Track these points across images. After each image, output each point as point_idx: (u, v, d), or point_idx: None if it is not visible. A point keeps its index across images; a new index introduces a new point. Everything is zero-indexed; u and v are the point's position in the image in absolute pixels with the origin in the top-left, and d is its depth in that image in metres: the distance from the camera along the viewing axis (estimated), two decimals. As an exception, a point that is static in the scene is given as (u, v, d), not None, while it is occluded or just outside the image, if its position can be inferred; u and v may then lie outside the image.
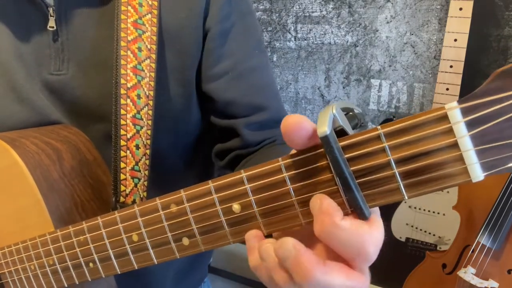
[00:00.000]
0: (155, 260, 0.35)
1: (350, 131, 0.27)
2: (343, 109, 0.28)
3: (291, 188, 0.28)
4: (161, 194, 0.33)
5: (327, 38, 1.63)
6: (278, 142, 0.56)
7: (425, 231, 1.49)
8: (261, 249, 0.28)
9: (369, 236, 0.25)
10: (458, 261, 1.24)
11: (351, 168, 0.26)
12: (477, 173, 0.23)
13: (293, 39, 1.71)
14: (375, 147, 0.25)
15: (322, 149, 0.26)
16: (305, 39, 1.68)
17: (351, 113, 0.29)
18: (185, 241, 0.33)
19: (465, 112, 0.23)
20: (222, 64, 0.55)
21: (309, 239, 0.28)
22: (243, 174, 0.29)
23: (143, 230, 0.34)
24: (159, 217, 0.33)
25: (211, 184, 0.30)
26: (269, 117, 0.56)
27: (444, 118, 0.23)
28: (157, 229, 0.34)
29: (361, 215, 0.26)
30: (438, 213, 1.44)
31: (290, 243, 0.26)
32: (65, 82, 0.53)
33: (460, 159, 0.23)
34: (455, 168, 0.24)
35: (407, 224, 1.51)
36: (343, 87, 1.66)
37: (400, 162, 0.25)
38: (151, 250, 0.34)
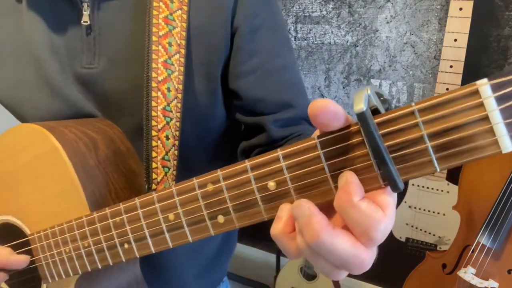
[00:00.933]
0: (190, 238, 0.35)
1: (383, 111, 0.28)
2: (376, 93, 0.29)
3: (325, 164, 0.29)
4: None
5: (327, 38, 1.64)
6: (303, 137, 0.56)
7: (425, 231, 1.49)
8: (280, 207, 0.31)
9: (378, 223, 0.27)
10: (458, 261, 1.24)
11: (386, 143, 0.27)
12: (507, 144, 0.24)
13: (293, 39, 1.71)
14: (409, 122, 0.26)
15: (356, 127, 0.28)
16: (305, 39, 1.68)
17: (382, 98, 0.30)
18: (220, 218, 0.34)
19: (495, 88, 0.24)
20: (251, 61, 0.56)
21: (329, 208, 0.30)
22: (279, 153, 0.30)
23: (180, 209, 0.35)
24: (195, 196, 0.34)
25: (247, 163, 0.31)
26: (296, 114, 0.57)
27: (475, 93, 0.25)
28: (193, 208, 0.35)
29: (394, 188, 0.27)
30: (438, 213, 1.44)
31: (305, 205, 0.28)
32: (96, 76, 0.54)
33: (491, 131, 0.25)
34: (486, 140, 0.25)
35: (407, 224, 1.51)
36: (343, 87, 1.66)
37: (433, 136, 0.26)
38: (186, 228, 0.35)
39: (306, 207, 0.28)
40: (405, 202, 1.48)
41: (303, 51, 1.70)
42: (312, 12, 1.64)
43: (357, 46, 1.59)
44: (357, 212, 0.27)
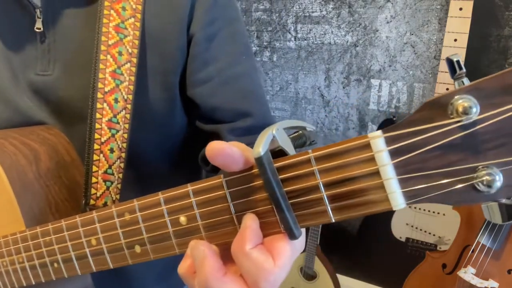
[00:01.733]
0: (110, 264, 0.36)
1: (291, 151, 0.27)
2: (293, 128, 0.29)
3: (231, 204, 0.29)
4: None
5: (327, 38, 1.64)
6: None
7: (425, 231, 1.49)
8: (189, 244, 0.31)
9: (267, 273, 0.26)
10: (458, 261, 1.25)
11: (285, 189, 0.26)
12: (399, 201, 0.24)
13: (293, 39, 1.71)
14: (306, 170, 0.26)
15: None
16: (305, 39, 1.68)
17: (299, 132, 0.29)
18: (137, 248, 0.34)
19: (389, 141, 0.23)
20: (207, 69, 0.55)
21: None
22: (189, 188, 0.30)
23: (100, 235, 0.36)
24: (114, 224, 0.35)
25: (160, 196, 0.32)
26: (254, 123, 0.56)
27: (367, 146, 0.24)
28: (113, 235, 0.35)
29: (291, 235, 0.27)
30: (438, 213, 1.44)
31: (200, 247, 0.29)
32: (50, 83, 0.53)
33: (382, 187, 0.24)
34: (377, 195, 0.24)
35: (407, 224, 1.51)
36: (343, 87, 1.66)
37: (328, 185, 0.25)
38: (107, 254, 0.36)
39: (201, 249, 0.28)
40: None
41: (303, 51, 1.70)
42: (312, 12, 1.64)
43: (357, 46, 1.59)
44: (248, 260, 0.27)
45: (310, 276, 1.64)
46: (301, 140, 0.29)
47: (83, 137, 0.53)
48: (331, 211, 0.26)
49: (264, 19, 1.75)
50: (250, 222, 0.28)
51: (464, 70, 0.23)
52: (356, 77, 1.62)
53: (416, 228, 1.50)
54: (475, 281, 1.15)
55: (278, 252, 0.27)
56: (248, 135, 0.56)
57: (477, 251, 1.16)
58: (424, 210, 1.46)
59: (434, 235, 1.48)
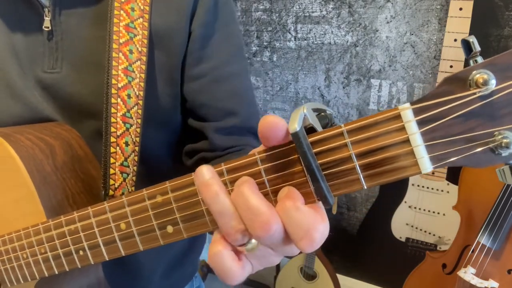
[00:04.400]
0: (140, 247, 0.37)
1: (319, 129, 0.30)
2: (315, 110, 0.31)
3: (266, 180, 0.30)
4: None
5: (327, 38, 1.64)
6: (244, 152, 0.57)
7: (425, 231, 1.49)
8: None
9: (319, 224, 0.28)
10: (458, 261, 1.25)
11: (319, 161, 0.29)
12: (426, 166, 0.26)
13: (293, 39, 1.71)
14: (339, 142, 0.28)
15: (294, 144, 0.29)
16: (305, 39, 1.68)
17: (322, 113, 0.31)
18: (169, 228, 0.35)
19: (416, 112, 0.26)
20: (199, 66, 0.57)
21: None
22: (223, 167, 0.31)
23: (130, 218, 0.36)
24: (145, 207, 0.35)
25: (194, 176, 0.32)
26: (239, 123, 0.58)
27: (398, 117, 0.27)
28: (143, 218, 0.36)
29: (326, 203, 0.29)
30: (438, 213, 1.44)
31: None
32: (58, 80, 0.54)
33: (411, 153, 0.27)
34: (408, 161, 0.27)
35: (407, 224, 1.51)
36: (343, 87, 1.66)
37: (360, 156, 0.28)
38: (137, 237, 0.37)
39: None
40: (405, 202, 1.49)
41: (303, 51, 1.70)
42: (312, 12, 1.64)
43: (357, 46, 1.59)
44: (300, 214, 0.28)
45: (310, 276, 1.64)
46: (325, 121, 0.31)
47: (92, 133, 0.55)
48: (363, 178, 0.28)
49: (264, 19, 1.75)
50: (292, 188, 0.29)
51: (479, 49, 0.26)
52: (356, 77, 1.62)
53: (416, 228, 1.50)
54: (475, 281, 1.15)
55: (320, 213, 0.29)
56: (232, 135, 0.58)
57: (477, 251, 1.16)
58: (424, 210, 1.46)
59: (434, 235, 1.48)
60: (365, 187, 0.28)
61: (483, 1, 1.32)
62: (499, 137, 0.25)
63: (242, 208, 0.28)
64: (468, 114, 0.25)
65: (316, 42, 1.66)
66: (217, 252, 0.30)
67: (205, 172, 0.30)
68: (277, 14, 1.72)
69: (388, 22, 1.51)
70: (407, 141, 0.26)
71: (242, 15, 1.80)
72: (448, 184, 1.39)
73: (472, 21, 1.24)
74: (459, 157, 0.26)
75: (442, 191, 1.41)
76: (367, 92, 1.61)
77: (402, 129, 0.26)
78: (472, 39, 0.26)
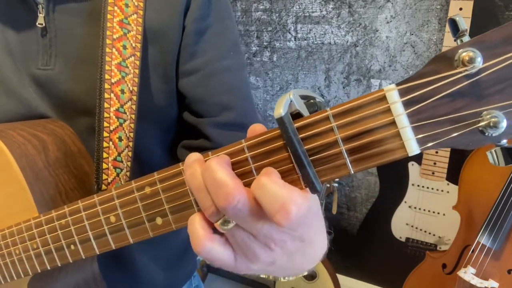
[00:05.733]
0: (131, 239, 0.37)
1: (306, 114, 0.29)
2: (304, 97, 0.31)
3: (253, 167, 0.30)
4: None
5: (327, 38, 1.64)
6: None
7: (425, 231, 1.49)
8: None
9: (295, 196, 0.27)
10: (458, 261, 1.25)
11: (305, 147, 0.28)
12: (413, 148, 0.26)
13: (293, 39, 1.71)
14: (325, 126, 0.27)
15: (279, 131, 0.29)
16: (305, 39, 1.68)
17: (311, 100, 0.31)
18: (159, 220, 0.35)
19: (402, 93, 0.25)
20: (194, 61, 0.56)
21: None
22: (211, 156, 0.31)
23: (120, 211, 0.36)
24: (134, 198, 0.35)
25: (181, 167, 0.32)
26: (235, 117, 0.57)
27: (383, 99, 0.26)
28: (133, 210, 0.36)
29: (313, 189, 0.28)
30: (438, 213, 1.44)
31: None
32: (52, 77, 0.54)
33: (397, 135, 0.26)
34: (394, 143, 0.26)
35: (407, 224, 1.51)
36: (343, 87, 1.66)
37: (346, 140, 0.27)
38: (127, 230, 0.37)
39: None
40: (405, 202, 1.48)
41: (303, 51, 1.70)
42: (312, 12, 1.64)
43: (357, 46, 1.59)
44: (276, 186, 0.27)
45: (310, 276, 1.64)
46: (313, 108, 0.30)
47: (85, 129, 0.55)
48: (350, 163, 0.27)
49: (264, 19, 1.75)
50: (270, 167, 0.29)
51: (465, 28, 0.25)
52: (356, 77, 1.62)
53: (416, 228, 1.50)
54: (475, 281, 1.15)
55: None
56: (229, 130, 0.57)
57: (477, 251, 1.16)
58: (424, 210, 1.46)
59: (434, 235, 1.48)
60: (352, 172, 0.27)
61: (483, 1, 1.31)
62: (488, 116, 0.24)
63: (209, 182, 0.28)
64: (455, 94, 0.24)
65: (316, 42, 1.66)
66: (192, 217, 0.31)
67: (192, 156, 0.31)
68: (277, 14, 1.72)
69: (388, 22, 1.51)
70: (393, 123, 0.26)
71: (242, 15, 1.79)
72: (448, 184, 1.39)
73: (472, 21, 1.24)
74: (446, 138, 0.25)
75: (442, 191, 1.41)
76: (367, 92, 1.61)
77: (388, 110, 0.26)
78: (458, 18, 0.25)
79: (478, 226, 1.18)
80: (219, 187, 0.28)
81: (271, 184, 0.27)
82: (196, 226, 0.30)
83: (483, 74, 0.24)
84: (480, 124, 0.24)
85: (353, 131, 0.27)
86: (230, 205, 0.27)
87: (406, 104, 0.25)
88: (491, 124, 0.24)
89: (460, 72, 0.24)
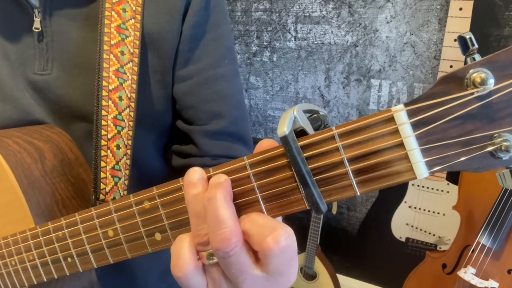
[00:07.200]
0: (128, 254, 0.36)
1: (311, 131, 0.28)
2: (307, 111, 0.30)
3: (255, 185, 0.29)
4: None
5: (327, 38, 1.63)
6: None
7: (425, 231, 1.49)
8: None
9: (284, 225, 0.27)
10: (458, 261, 1.25)
11: (309, 166, 0.27)
12: (422, 171, 0.25)
13: (293, 39, 1.71)
14: (330, 146, 0.27)
15: (283, 149, 0.28)
16: (305, 39, 1.68)
17: (315, 115, 0.30)
18: (158, 236, 0.34)
19: (411, 114, 0.25)
20: (188, 67, 0.56)
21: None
22: (212, 173, 0.30)
23: (118, 225, 0.36)
24: (132, 213, 0.35)
25: (181, 182, 0.32)
26: (225, 126, 0.57)
27: (391, 119, 0.25)
28: (131, 225, 0.35)
29: (317, 210, 0.28)
30: (438, 213, 1.44)
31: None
32: (49, 82, 0.54)
33: (406, 157, 0.25)
34: (402, 166, 0.25)
35: (407, 224, 1.51)
36: (343, 87, 1.66)
37: (352, 160, 0.26)
38: (125, 244, 0.36)
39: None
40: (405, 202, 1.48)
41: (303, 51, 1.70)
42: (312, 12, 1.64)
43: (357, 46, 1.59)
44: (266, 218, 0.28)
45: (310, 276, 1.64)
46: (317, 123, 0.30)
47: (83, 136, 0.54)
48: (356, 184, 0.27)
49: (264, 19, 1.75)
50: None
51: (476, 46, 0.24)
52: (356, 77, 1.62)
53: (416, 228, 1.50)
54: (475, 281, 1.15)
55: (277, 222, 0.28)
56: (218, 140, 0.57)
57: (477, 251, 1.16)
58: (424, 210, 1.46)
59: (434, 235, 1.48)
60: (358, 194, 0.27)
61: (483, 1, 1.31)
62: (499, 140, 0.23)
63: (210, 214, 0.28)
64: (465, 116, 0.24)
65: (316, 42, 1.66)
66: (179, 237, 0.30)
67: (195, 173, 0.30)
68: (277, 14, 1.72)
69: (388, 22, 1.51)
70: (401, 145, 0.25)
71: (242, 15, 1.79)
72: (448, 184, 1.39)
73: (472, 21, 1.24)
74: (456, 161, 0.24)
75: (442, 191, 1.41)
76: (367, 92, 1.61)
77: (396, 132, 0.25)
78: (469, 36, 0.24)
79: (478, 226, 1.18)
80: (219, 225, 0.27)
81: (261, 216, 0.28)
82: (184, 248, 0.29)
83: (494, 96, 0.23)
84: (491, 148, 0.24)
85: (359, 151, 0.26)
86: (224, 249, 0.27)
87: (415, 126, 0.25)
88: (503, 148, 0.23)
89: (471, 94, 0.23)
